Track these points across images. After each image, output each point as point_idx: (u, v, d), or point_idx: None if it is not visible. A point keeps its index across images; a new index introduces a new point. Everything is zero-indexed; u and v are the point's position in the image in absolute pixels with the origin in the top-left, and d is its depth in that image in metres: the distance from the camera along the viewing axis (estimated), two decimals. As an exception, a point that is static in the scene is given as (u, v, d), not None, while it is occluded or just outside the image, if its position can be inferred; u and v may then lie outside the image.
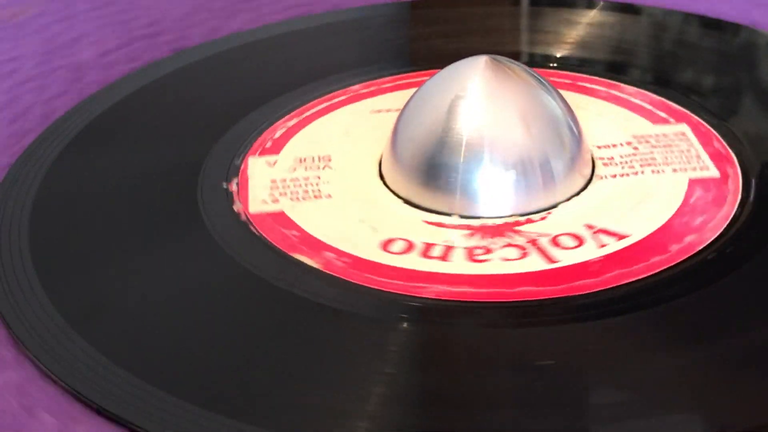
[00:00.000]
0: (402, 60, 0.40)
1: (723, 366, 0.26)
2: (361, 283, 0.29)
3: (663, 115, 0.35)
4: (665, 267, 0.29)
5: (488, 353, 0.27)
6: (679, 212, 0.31)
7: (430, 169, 0.31)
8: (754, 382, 0.26)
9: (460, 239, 0.30)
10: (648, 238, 0.30)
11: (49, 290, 0.29)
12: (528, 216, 0.31)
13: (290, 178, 0.33)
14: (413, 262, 0.29)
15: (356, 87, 0.38)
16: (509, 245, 0.30)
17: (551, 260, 0.29)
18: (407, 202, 0.32)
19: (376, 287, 0.29)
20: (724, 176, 0.32)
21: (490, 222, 0.31)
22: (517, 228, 0.31)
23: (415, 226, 0.31)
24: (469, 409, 0.25)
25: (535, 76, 0.32)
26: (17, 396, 0.26)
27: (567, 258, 0.29)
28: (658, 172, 0.33)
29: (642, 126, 0.35)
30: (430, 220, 0.31)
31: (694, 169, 0.33)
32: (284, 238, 0.31)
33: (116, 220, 0.32)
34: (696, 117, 0.35)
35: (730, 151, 0.34)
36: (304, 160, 0.34)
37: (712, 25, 0.41)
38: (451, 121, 0.31)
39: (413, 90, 0.33)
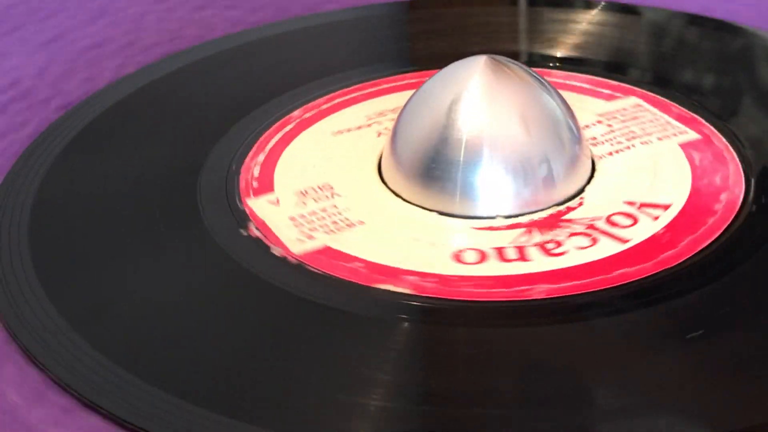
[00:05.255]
0: (402, 60, 0.40)
1: (724, 365, 0.26)
2: (459, 298, 0.28)
3: (608, 92, 0.37)
4: (726, 225, 0.30)
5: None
6: (696, 175, 0.32)
7: (430, 169, 0.31)
8: (754, 381, 0.26)
9: (522, 238, 0.30)
10: (689, 203, 0.31)
11: (49, 290, 0.29)
12: (565, 204, 0.31)
13: (308, 212, 0.32)
14: (495, 268, 0.29)
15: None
16: (574, 234, 0.30)
17: (622, 240, 0.30)
18: (411, 203, 0.32)
19: (478, 299, 0.28)
20: (706, 137, 0.34)
21: (536, 216, 0.31)
22: (565, 218, 0.31)
23: (468, 234, 0.31)
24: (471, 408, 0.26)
25: (535, 76, 0.32)
26: (17, 396, 0.27)
27: (634, 236, 0.30)
28: (647, 143, 0.34)
29: (598, 105, 0.36)
30: (477, 226, 0.31)
31: (675, 134, 0.34)
32: (352, 271, 0.29)
33: (116, 220, 0.32)
34: (645, 91, 0.36)
35: (693, 114, 0.35)
36: (306, 193, 0.33)
37: (712, 25, 0.41)
38: (451, 121, 0.31)
39: (413, 90, 0.33)
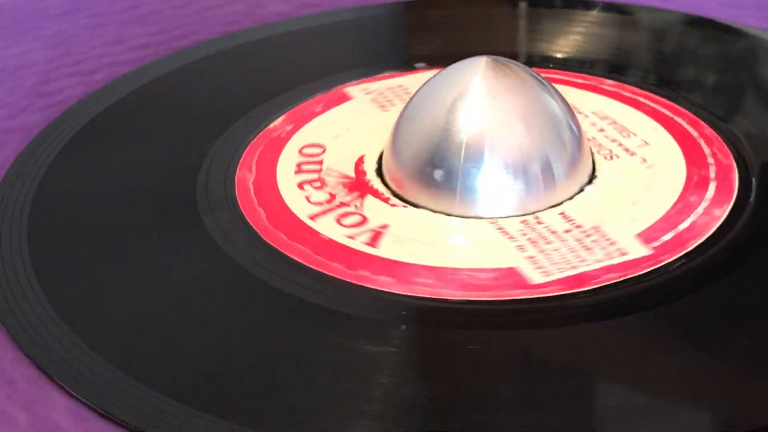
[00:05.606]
0: (402, 60, 0.40)
1: (727, 366, 0.26)
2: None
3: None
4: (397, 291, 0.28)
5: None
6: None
7: (430, 169, 0.31)
8: (759, 381, 0.26)
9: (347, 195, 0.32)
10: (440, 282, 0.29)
11: (47, 289, 0.29)
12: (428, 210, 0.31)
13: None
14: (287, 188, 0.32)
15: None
16: (358, 214, 0.31)
17: (351, 237, 0.30)
18: (406, 201, 0.32)
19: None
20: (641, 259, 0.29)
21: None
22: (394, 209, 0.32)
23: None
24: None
25: (536, 77, 0.32)
26: (15, 394, 0.27)
27: (359, 243, 0.30)
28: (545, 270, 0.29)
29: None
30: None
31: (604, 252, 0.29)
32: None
33: (115, 220, 0.32)
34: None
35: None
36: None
37: (712, 25, 0.41)
38: (452, 121, 0.31)
39: (413, 90, 0.33)
